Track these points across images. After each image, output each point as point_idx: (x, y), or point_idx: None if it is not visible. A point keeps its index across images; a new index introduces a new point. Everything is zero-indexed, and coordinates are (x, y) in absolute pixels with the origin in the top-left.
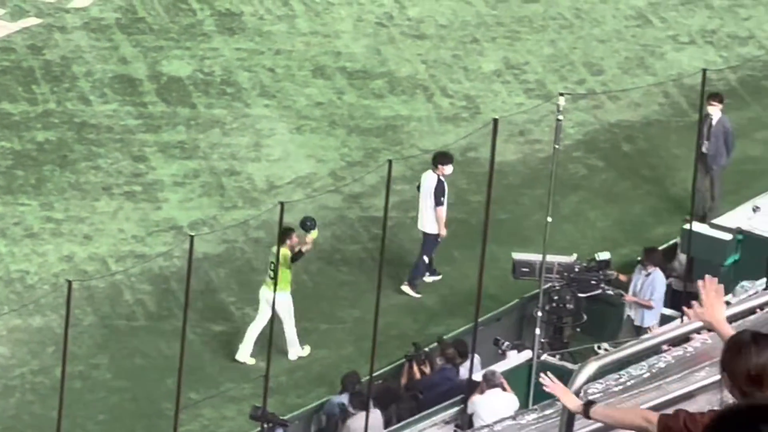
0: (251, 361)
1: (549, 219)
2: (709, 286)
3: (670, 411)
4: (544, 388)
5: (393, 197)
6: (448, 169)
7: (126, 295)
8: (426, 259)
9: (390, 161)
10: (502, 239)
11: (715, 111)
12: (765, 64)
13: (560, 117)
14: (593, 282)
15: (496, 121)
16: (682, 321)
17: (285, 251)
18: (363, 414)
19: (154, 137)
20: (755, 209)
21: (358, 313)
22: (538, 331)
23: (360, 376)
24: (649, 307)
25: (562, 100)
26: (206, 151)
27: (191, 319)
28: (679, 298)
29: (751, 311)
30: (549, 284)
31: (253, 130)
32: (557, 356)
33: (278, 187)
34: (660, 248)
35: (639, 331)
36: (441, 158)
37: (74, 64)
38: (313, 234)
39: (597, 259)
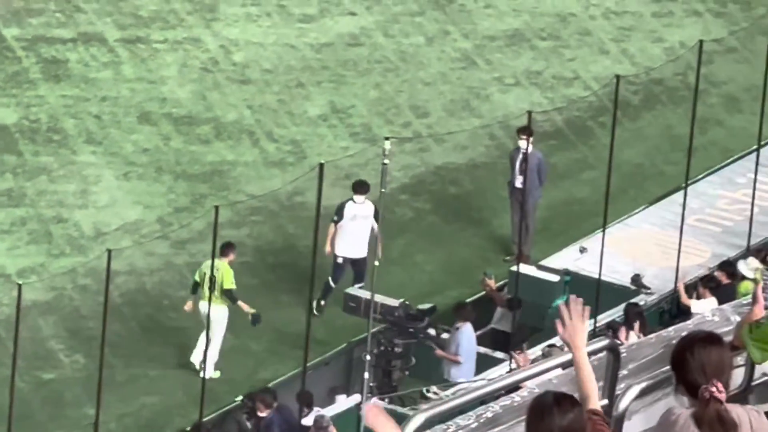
0: (216, 374)
1: (376, 263)
2: (573, 308)
3: None
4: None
5: (220, 242)
6: (357, 198)
7: None
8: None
9: (217, 207)
10: None
11: (525, 144)
12: (590, 105)
13: (386, 161)
14: (410, 330)
15: (322, 165)
16: (510, 364)
17: (227, 266)
18: None
19: None
20: (582, 250)
21: (187, 359)
22: (366, 374)
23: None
24: (457, 362)
25: (387, 144)
26: (33, 198)
27: (20, 367)
28: (505, 340)
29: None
30: (377, 328)
31: (80, 177)
32: (386, 400)
33: (106, 234)
34: (469, 301)
35: (449, 385)
36: (353, 185)
37: None
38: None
39: (419, 307)
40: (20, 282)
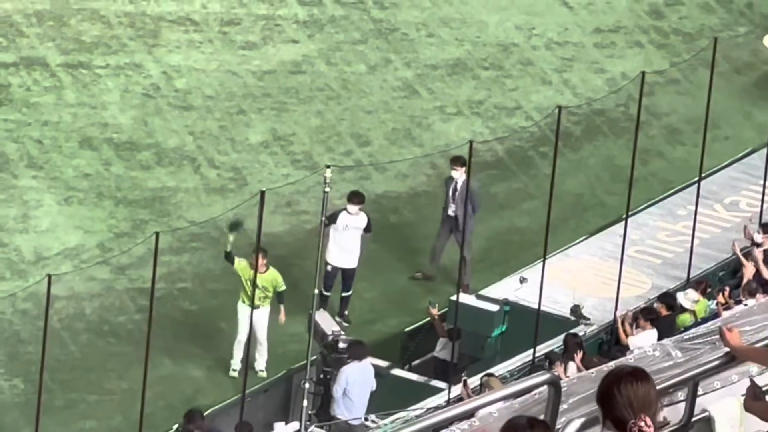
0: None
1: (316, 291)
2: None
3: None
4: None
5: (161, 268)
6: (351, 208)
7: None
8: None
9: (157, 233)
10: None
11: (457, 174)
12: (532, 135)
13: (327, 188)
14: (328, 359)
15: (263, 192)
16: (449, 392)
17: (274, 274)
18: None
19: None
20: (522, 280)
21: (126, 385)
22: (305, 402)
23: None
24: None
25: (328, 172)
26: None
27: None
28: (446, 370)
29: (522, 393)
30: (316, 356)
31: (21, 201)
32: (325, 428)
33: (46, 258)
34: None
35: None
36: (348, 195)
37: None
38: (232, 236)
39: (341, 339)
40: None
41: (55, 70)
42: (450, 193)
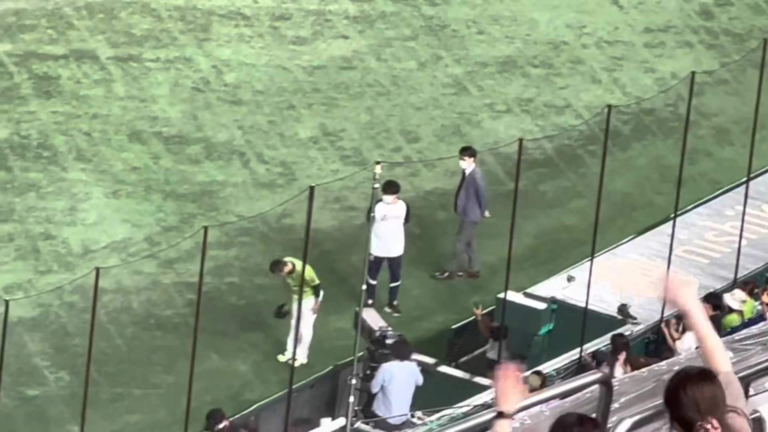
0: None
1: (364, 287)
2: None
3: None
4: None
5: (208, 263)
6: (386, 198)
7: None
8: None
9: (206, 228)
10: None
11: (465, 164)
12: (581, 133)
13: (376, 185)
14: (375, 355)
15: (312, 188)
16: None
17: (307, 272)
18: None
19: None
20: (570, 279)
21: (172, 379)
22: (351, 398)
23: None
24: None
25: (378, 168)
26: (22, 214)
27: (5, 383)
28: (493, 367)
29: (574, 391)
30: (362, 352)
31: (69, 194)
32: (371, 424)
33: (94, 251)
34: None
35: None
36: (383, 186)
37: None
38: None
39: (386, 336)
40: (7, 298)
41: (105, 63)
42: (459, 182)
